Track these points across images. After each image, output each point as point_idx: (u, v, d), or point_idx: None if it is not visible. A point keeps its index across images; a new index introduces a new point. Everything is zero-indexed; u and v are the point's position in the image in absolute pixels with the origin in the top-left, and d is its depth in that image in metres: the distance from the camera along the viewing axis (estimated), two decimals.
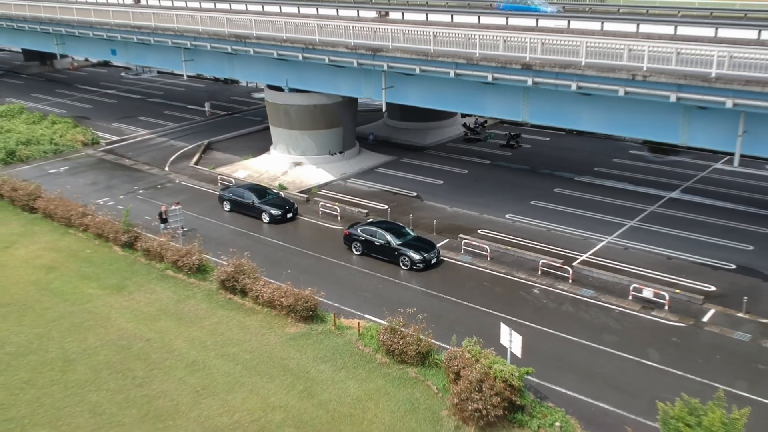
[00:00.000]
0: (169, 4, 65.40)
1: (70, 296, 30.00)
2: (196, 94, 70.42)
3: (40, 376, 24.32)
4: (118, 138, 55.95)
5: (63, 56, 77.67)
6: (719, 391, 18.50)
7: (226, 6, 59.46)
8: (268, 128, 49.79)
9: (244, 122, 59.95)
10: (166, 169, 47.89)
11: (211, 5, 61.05)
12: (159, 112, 64.56)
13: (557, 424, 20.80)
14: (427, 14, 47.15)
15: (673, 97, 27.13)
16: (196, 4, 62.10)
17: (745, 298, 27.44)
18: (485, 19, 44.05)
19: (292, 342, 25.81)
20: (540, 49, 30.26)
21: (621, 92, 28.26)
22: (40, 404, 22.78)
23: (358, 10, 50.99)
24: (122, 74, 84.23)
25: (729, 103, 25.87)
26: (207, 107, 63.54)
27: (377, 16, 50.16)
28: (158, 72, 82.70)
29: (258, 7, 57.06)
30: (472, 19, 45.37)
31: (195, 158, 49.50)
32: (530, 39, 30.27)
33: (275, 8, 55.98)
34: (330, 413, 21.77)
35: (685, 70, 26.56)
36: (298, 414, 21.78)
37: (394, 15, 48.12)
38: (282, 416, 21.71)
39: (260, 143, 51.54)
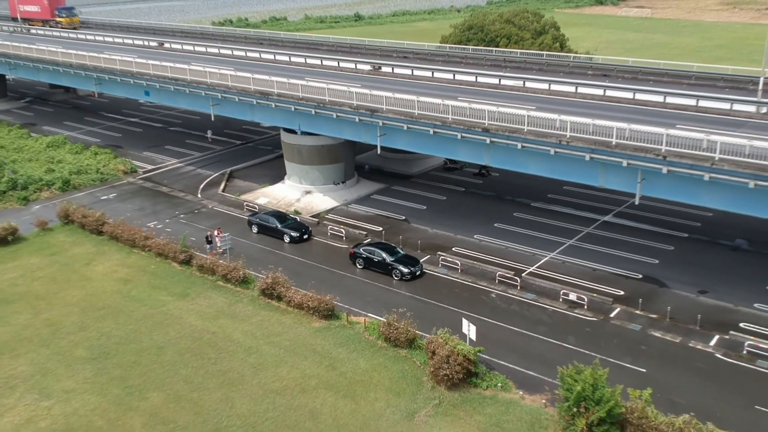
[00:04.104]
0: (191, 48, 75.76)
1: (148, 301, 40.31)
2: (211, 123, 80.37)
3: (141, 358, 34.64)
4: (153, 167, 66.16)
5: None
6: (596, 359, 29.26)
7: (242, 53, 69.85)
8: (279, 157, 60.25)
9: (257, 151, 70.31)
10: (199, 195, 58.18)
11: (229, 51, 71.42)
12: (182, 141, 74.80)
13: (499, 384, 31.49)
14: (413, 70, 57.80)
15: (587, 157, 37.99)
16: (215, 50, 72.46)
17: (641, 299, 38.30)
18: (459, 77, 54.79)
19: (317, 333, 36.31)
20: (496, 117, 40.95)
21: (552, 152, 39.08)
22: (147, 377, 33.13)
23: (356, 63, 61.56)
24: (140, 101, 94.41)
25: (624, 163, 36.77)
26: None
27: (372, 69, 60.86)
28: None
29: (270, 56, 67.47)
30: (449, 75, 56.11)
31: (221, 186, 59.84)
32: (488, 110, 40.96)
33: (285, 57, 66.50)
34: (348, 379, 32.33)
35: (595, 138, 37.36)
36: (326, 380, 32.32)
37: (403, 70, 58.46)
38: (316, 382, 32.23)
39: (274, 171, 61.99)
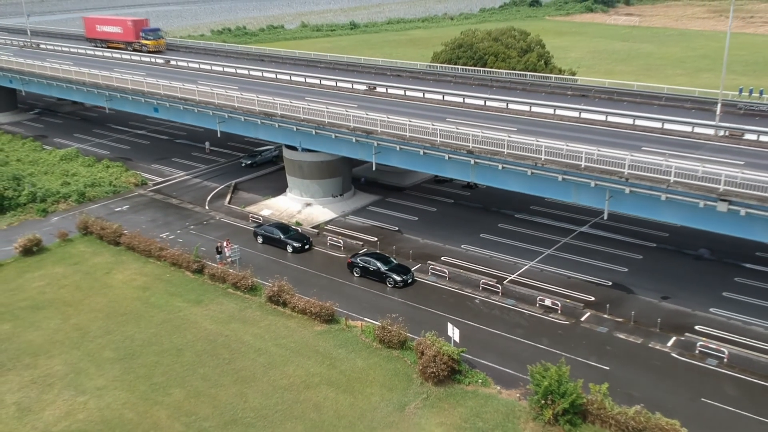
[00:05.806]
0: (196, 66, 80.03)
1: (166, 307, 44.59)
2: (215, 136, 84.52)
3: (163, 359, 38.95)
4: (162, 179, 70.39)
5: None
6: (561, 358, 33.70)
7: (245, 71, 74.14)
8: (280, 169, 64.51)
9: (260, 164, 74.52)
10: (207, 207, 62.46)
11: (233, 69, 75.73)
12: (188, 153, 79.06)
13: (479, 381, 35.92)
14: (405, 90, 62.22)
15: (560, 178, 42.47)
16: (219, 68, 76.73)
17: (609, 305, 42.79)
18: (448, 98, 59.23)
19: (319, 336, 40.68)
20: (480, 140, 45.36)
21: (529, 172, 43.56)
22: (169, 375, 37.44)
23: (352, 83, 65.92)
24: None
25: (593, 184, 41.26)
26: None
27: (367, 89, 65.25)
28: None
29: (272, 75, 71.78)
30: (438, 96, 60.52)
31: (227, 198, 64.14)
32: (472, 133, 45.38)
33: (286, 76, 70.83)
34: (347, 377, 36.73)
35: (566, 161, 41.80)
36: (328, 377, 36.71)
37: (396, 90, 62.87)
38: (318, 379, 36.62)
39: (276, 183, 66.35)
